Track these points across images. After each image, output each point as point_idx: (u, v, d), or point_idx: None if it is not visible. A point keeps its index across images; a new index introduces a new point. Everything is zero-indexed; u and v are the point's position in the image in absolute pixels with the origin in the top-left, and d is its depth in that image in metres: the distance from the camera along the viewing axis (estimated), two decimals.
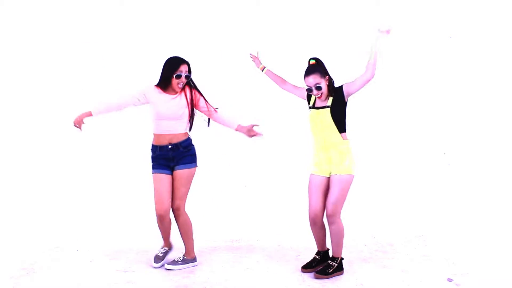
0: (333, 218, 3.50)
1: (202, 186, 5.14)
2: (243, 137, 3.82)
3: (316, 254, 3.76)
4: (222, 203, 5.37)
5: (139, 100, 3.67)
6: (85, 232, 4.60)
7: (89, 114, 3.61)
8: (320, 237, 3.72)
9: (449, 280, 3.50)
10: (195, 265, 3.80)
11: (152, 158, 3.69)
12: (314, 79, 3.45)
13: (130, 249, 4.16)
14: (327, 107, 3.48)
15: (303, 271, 3.67)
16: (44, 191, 5.55)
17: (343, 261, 3.66)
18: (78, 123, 3.58)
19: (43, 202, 5.37)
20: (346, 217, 4.89)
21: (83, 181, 5.70)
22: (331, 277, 3.54)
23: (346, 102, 3.51)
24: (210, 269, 3.75)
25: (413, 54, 5.85)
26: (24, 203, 5.35)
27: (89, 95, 5.82)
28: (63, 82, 5.81)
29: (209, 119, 3.80)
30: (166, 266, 3.73)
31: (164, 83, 3.61)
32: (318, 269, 3.60)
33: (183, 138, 3.66)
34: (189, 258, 3.79)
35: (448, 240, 4.34)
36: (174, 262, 3.74)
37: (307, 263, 3.71)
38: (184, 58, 3.65)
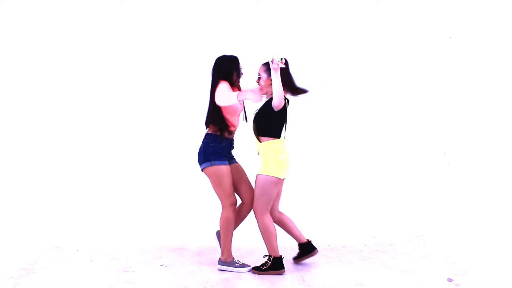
0: (256, 216, 3.62)
1: (202, 186, 5.14)
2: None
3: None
4: None
5: None
6: (85, 232, 4.60)
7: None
8: (285, 229, 3.85)
9: (449, 280, 3.50)
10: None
11: (216, 148, 3.60)
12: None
13: (130, 249, 4.16)
14: (254, 112, 3.67)
15: (295, 262, 3.85)
16: (44, 191, 5.55)
17: (283, 260, 3.64)
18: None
19: (43, 202, 5.38)
20: (346, 217, 4.90)
21: (83, 181, 5.71)
22: (266, 275, 3.58)
23: (277, 112, 3.52)
24: (210, 269, 3.75)
25: (413, 54, 5.85)
26: (24, 203, 5.35)
27: (89, 95, 5.83)
28: (63, 82, 5.81)
29: (245, 114, 3.81)
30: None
31: (230, 80, 3.62)
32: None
33: None
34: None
35: (448, 240, 4.34)
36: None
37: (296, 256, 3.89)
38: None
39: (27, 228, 4.70)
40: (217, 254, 4.06)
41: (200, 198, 5.03)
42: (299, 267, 3.79)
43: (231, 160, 3.77)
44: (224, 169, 3.60)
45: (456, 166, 5.83)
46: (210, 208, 5.22)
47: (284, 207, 5.16)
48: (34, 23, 5.74)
